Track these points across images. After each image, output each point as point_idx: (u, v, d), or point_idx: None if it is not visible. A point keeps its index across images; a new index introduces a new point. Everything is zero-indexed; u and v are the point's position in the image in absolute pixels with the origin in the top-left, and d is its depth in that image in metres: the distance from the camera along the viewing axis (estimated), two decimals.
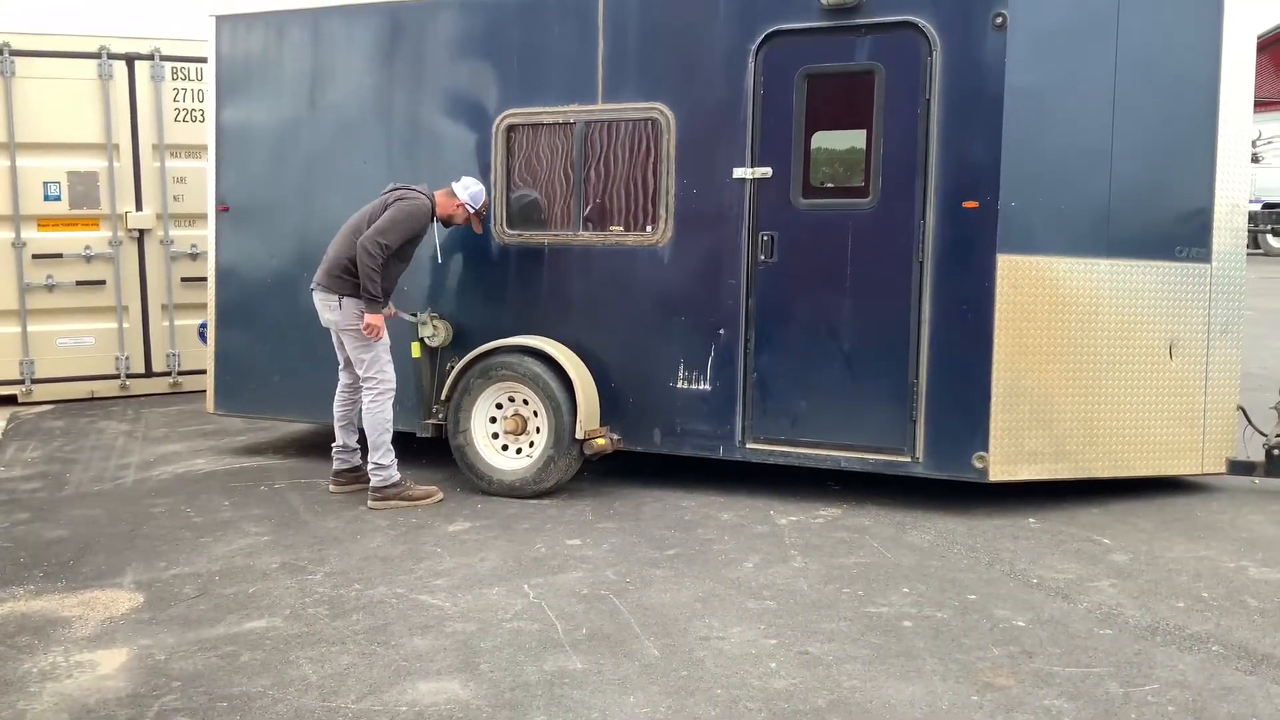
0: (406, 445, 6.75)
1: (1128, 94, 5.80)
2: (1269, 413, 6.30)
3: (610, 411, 6.43)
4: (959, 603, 4.66)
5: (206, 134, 7.62)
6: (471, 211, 6.42)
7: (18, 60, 9.13)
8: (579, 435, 6.23)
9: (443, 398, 6.58)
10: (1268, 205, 22.72)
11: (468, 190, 6.40)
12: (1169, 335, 6.01)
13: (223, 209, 7.46)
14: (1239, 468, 6.18)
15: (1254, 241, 22.31)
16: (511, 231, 6.70)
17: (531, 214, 6.72)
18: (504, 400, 6.50)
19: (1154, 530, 5.59)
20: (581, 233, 6.53)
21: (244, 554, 5.45)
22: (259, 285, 7.37)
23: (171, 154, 9.61)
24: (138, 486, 6.83)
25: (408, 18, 6.89)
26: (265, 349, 7.37)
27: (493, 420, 6.53)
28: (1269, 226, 22.80)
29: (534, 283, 6.66)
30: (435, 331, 6.69)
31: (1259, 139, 22.42)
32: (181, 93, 9.61)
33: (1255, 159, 21.68)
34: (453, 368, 6.59)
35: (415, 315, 6.68)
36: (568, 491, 6.42)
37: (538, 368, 6.34)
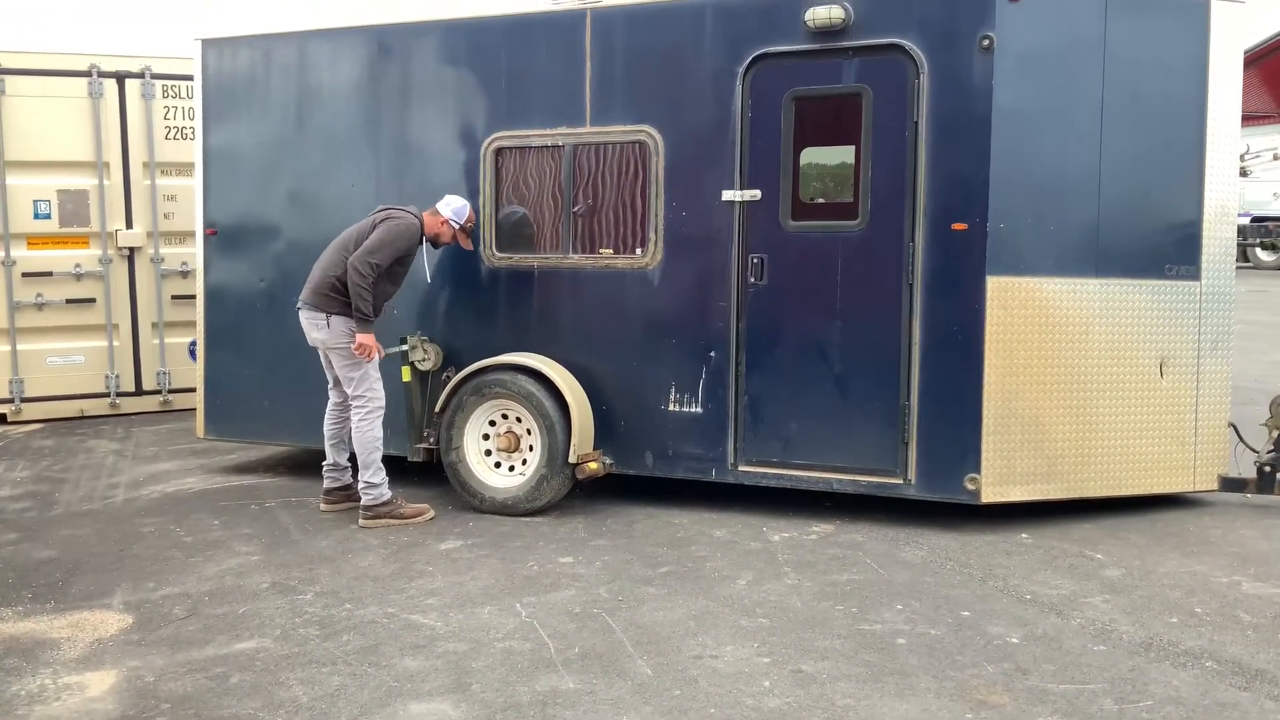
0: (398, 463, 6.73)
1: (1115, 113, 5.82)
2: (1260, 429, 6.30)
3: (602, 434, 6.41)
4: (952, 620, 4.65)
5: (194, 157, 7.59)
6: (457, 227, 6.39)
7: (8, 79, 9.11)
8: (572, 459, 6.21)
9: (437, 409, 6.55)
10: (1256, 219, 22.81)
11: (450, 206, 6.38)
12: (1159, 353, 6.02)
13: (210, 232, 7.44)
14: (1231, 485, 6.18)
15: (1243, 255, 22.40)
16: (501, 254, 6.69)
17: (521, 236, 6.71)
18: (497, 417, 6.48)
19: (1146, 545, 5.59)
20: (571, 255, 6.52)
21: (234, 574, 5.42)
22: (247, 309, 7.34)
23: (162, 172, 9.60)
24: (127, 506, 6.79)
25: (394, 40, 6.88)
26: (254, 374, 7.34)
27: (485, 438, 6.51)
28: (1258, 240, 22.89)
29: (524, 306, 6.65)
30: (425, 355, 6.67)
31: (1247, 153, 22.50)
32: (172, 110, 9.60)
33: (1244, 173, 21.76)
34: (449, 378, 6.57)
35: (404, 341, 6.64)
36: (560, 508, 6.40)
37: (531, 386, 6.32)
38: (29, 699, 4.03)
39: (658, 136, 6.26)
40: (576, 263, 6.52)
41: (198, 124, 7.47)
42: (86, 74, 9.33)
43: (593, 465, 6.23)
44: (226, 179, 7.40)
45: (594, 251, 6.49)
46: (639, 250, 6.38)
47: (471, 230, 6.54)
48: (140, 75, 9.48)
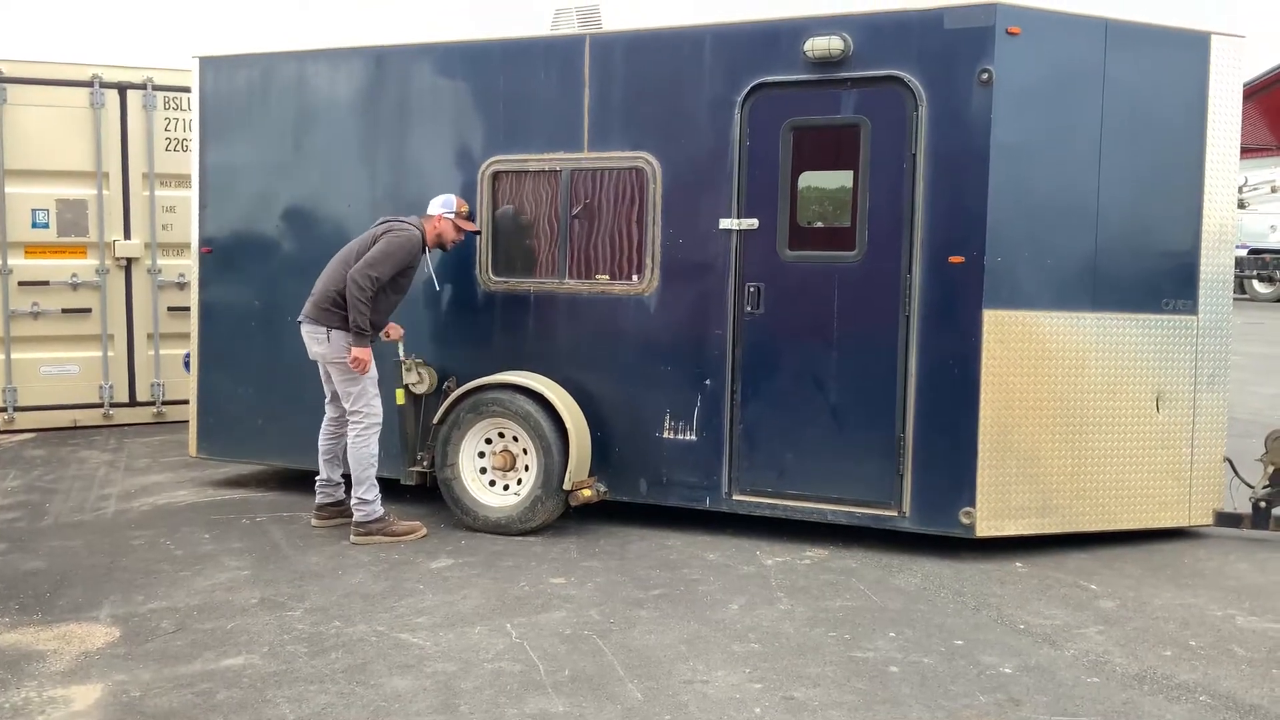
0: (390, 481, 6.70)
1: (1113, 146, 5.84)
2: (1255, 464, 6.29)
3: (595, 459, 6.39)
4: (945, 648, 4.62)
5: (191, 175, 7.57)
6: (452, 217, 6.37)
7: (10, 87, 9.12)
8: (567, 486, 6.18)
9: (435, 421, 6.52)
10: (1254, 251, 22.92)
11: (437, 203, 6.38)
12: (1156, 388, 6.02)
13: (206, 251, 7.43)
14: (1226, 520, 6.17)
15: (1240, 287, 22.49)
16: (497, 278, 6.68)
17: (517, 261, 6.70)
18: (494, 435, 6.46)
19: (1141, 576, 5.57)
20: (568, 280, 6.52)
21: (223, 589, 5.38)
22: (242, 329, 7.32)
23: (161, 183, 9.60)
24: (118, 518, 6.76)
25: (393, 62, 6.88)
26: (248, 393, 7.31)
27: (481, 455, 6.49)
28: (1254, 272, 22.99)
29: (520, 330, 6.63)
30: (420, 378, 6.65)
31: (1245, 185, 22.65)
32: (173, 122, 9.61)
33: (1242, 205, 21.92)
34: (450, 389, 6.55)
35: (401, 359, 6.62)
36: (552, 528, 6.37)
37: (530, 406, 6.30)
38: (13, 711, 3.99)
39: (655, 163, 6.26)
40: (573, 288, 6.51)
41: (195, 143, 7.46)
42: (88, 84, 9.34)
43: (586, 492, 6.20)
44: (223, 198, 7.39)
45: (590, 277, 6.48)
46: (635, 277, 6.37)
47: (469, 213, 6.50)
48: (142, 86, 9.49)
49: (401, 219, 6.35)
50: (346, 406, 6.26)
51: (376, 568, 5.71)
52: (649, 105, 6.29)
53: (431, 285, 6.69)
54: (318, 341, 6.23)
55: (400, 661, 4.46)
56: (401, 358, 6.63)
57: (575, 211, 6.44)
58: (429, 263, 6.58)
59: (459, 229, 6.42)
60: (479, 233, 6.60)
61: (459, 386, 6.50)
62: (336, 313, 6.15)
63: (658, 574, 5.62)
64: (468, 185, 6.70)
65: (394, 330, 6.54)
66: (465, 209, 6.46)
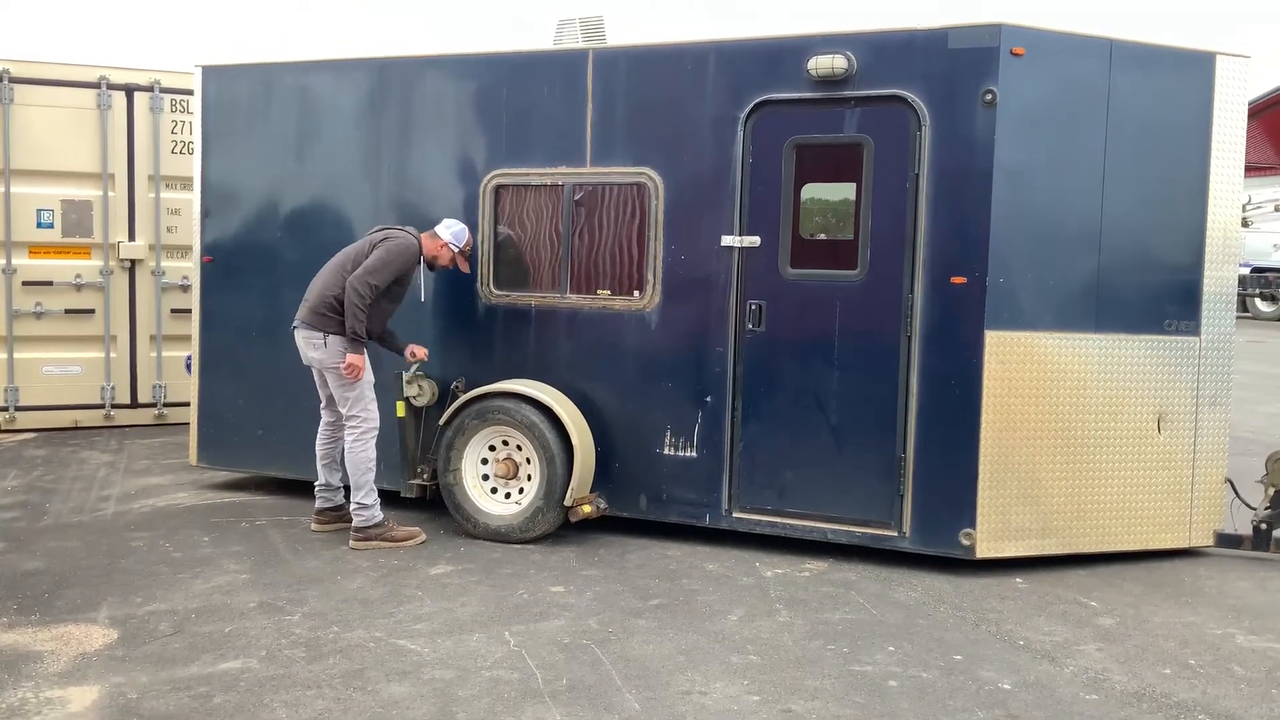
0: (391, 492, 6.69)
1: (1117, 166, 5.83)
2: (1256, 485, 6.28)
3: (596, 475, 6.37)
4: (945, 663, 4.61)
5: (193, 184, 7.56)
6: (456, 250, 6.40)
7: (17, 88, 9.15)
8: (568, 502, 6.18)
9: (441, 422, 6.51)
10: (1256, 270, 22.92)
11: (450, 229, 6.39)
12: (1157, 409, 6.01)
13: (207, 260, 7.43)
14: (1226, 541, 6.16)
15: (1242, 305, 22.49)
16: (499, 292, 6.68)
17: (519, 275, 6.70)
18: (497, 443, 6.46)
19: (1141, 594, 5.56)
20: (569, 295, 6.51)
21: (222, 592, 5.38)
22: (242, 338, 7.32)
23: (167, 185, 9.62)
24: (117, 519, 6.76)
25: (395, 74, 6.88)
26: (248, 403, 7.31)
27: (484, 462, 6.48)
28: (1257, 291, 22.99)
29: (521, 344, 6.62)
30: (420, 391, 6.64)
31: (1248, 204, 22.67)
32: (179, 125, 9.63)
33: (1245, 224, 21.94)
34: (459, 391, 6.54)
35: (403, 373, 6.62)
36: (552, 536, 6.37)
37: (535, 417, 6.29)
38: (9, 712, 3.99)
39: (658, 179, 6.26)
40: (574, 303, 6.50)
41: (197, 151, 7.46)
42: (96, 85, 9.37)
43: (586, 508, 6.20)
44: (224, 207, 7.39)
45: (591, 292, 6.48)
46: (636, 292, 6.37)
47: (469, 254, 6.53)
48: (149, 89, 9.52)
49: (398, 227, 6.36)
50: (344, 411, 6.26)
51: (375, 573, 5.70)
52: (652, 121, 6.29)
53: (418, 296, 6.68)
54: (314, 347, 6.23)
55: (398, 668, 4.45)
56: (403, 370, 6.62)
57: (577, 197, 6.40)
58: (422, 276, 6.57)
59: (454, 261, 6.44)
60: (468, 272, 6.62)
61: (467, 391, 6.50)
62: (334, 318, 6.16)
63: (657, 584, 5.61)
64: (469, 198, 6.70)
65: (420, 350, 6.52)
66: (470, 248, 6.50)
